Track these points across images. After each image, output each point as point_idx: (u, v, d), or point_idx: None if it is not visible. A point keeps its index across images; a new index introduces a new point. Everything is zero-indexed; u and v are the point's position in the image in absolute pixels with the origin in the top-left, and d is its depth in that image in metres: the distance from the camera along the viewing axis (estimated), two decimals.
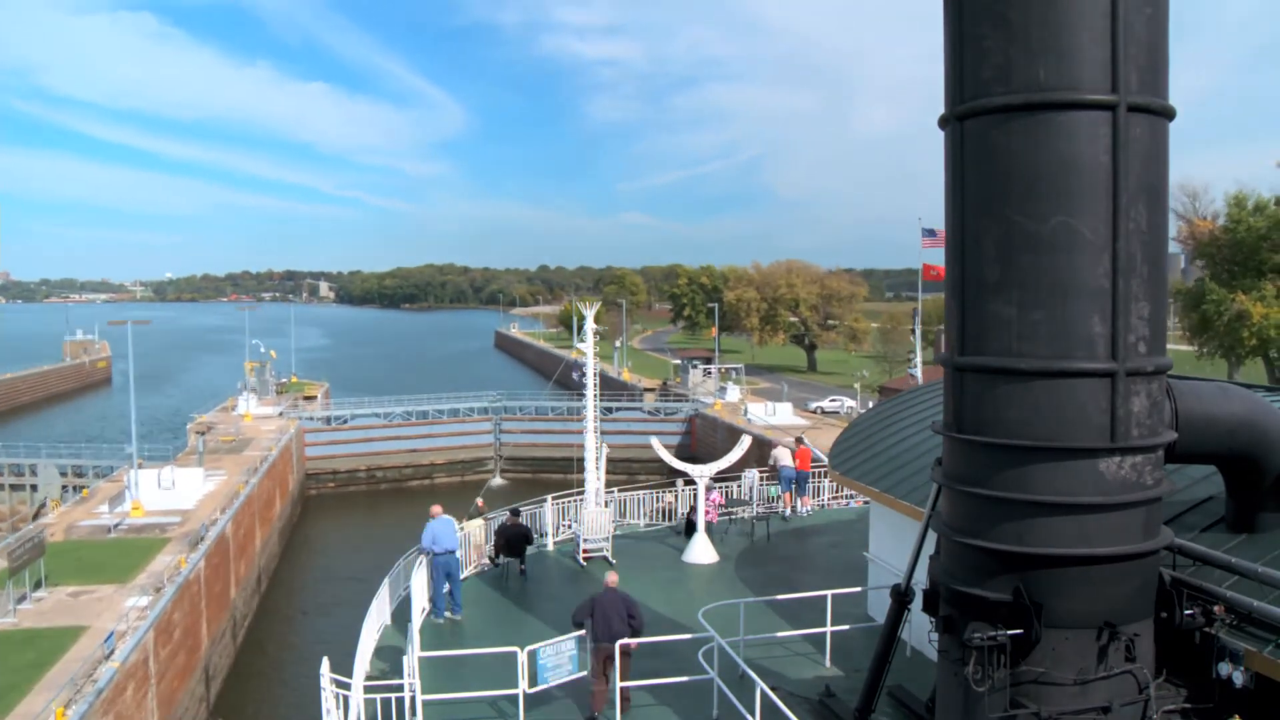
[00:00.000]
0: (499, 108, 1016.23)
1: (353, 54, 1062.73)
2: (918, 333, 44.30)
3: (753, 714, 10.81)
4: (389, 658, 14.92)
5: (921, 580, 9.74)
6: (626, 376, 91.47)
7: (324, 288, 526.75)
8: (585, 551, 20.08)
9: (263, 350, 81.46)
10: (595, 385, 23.00)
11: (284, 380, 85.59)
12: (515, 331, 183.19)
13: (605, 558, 20.09)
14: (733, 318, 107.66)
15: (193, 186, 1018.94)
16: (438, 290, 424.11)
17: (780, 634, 14.77)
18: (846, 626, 14.54)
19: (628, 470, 52.24)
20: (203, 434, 58.85)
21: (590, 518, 20.41)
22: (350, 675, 12.70)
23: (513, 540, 19.14)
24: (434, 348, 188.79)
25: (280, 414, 67.73)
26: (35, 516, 50.04)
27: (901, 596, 10.40)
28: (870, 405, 48.82)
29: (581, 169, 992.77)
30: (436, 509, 17.23)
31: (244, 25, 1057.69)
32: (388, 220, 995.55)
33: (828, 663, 14.08)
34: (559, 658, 12.31)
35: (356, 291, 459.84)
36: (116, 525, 35.43)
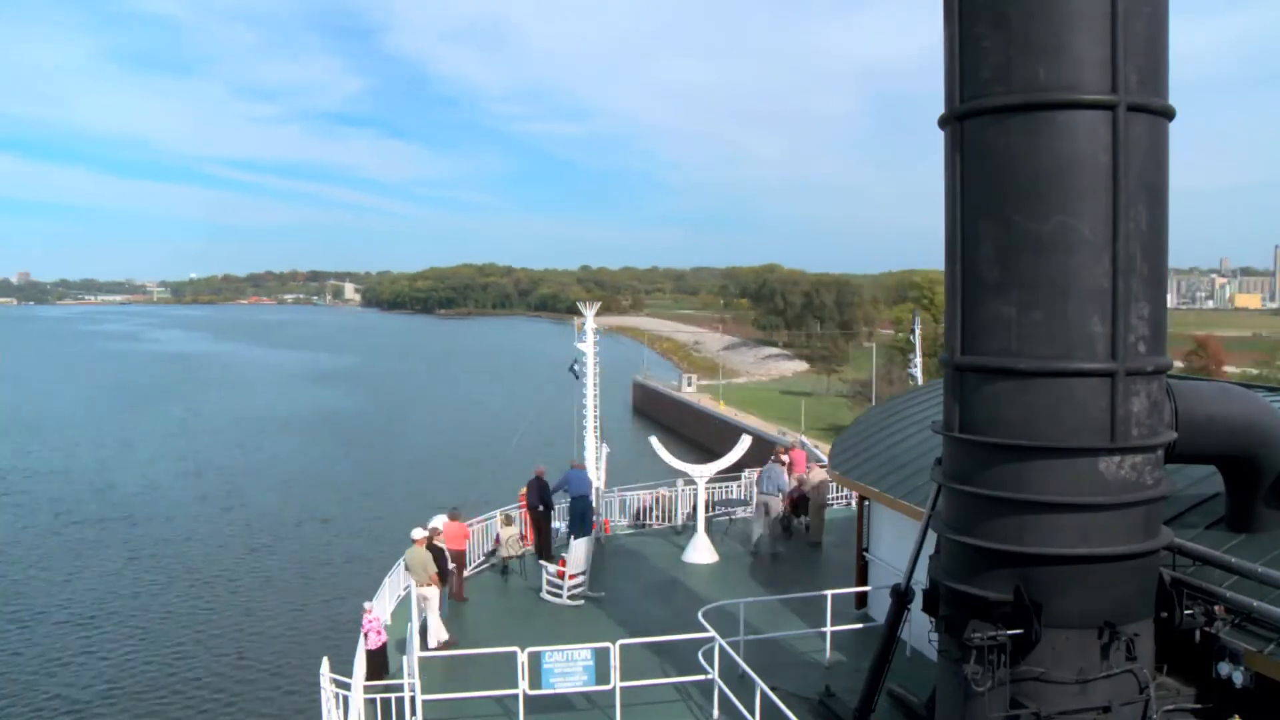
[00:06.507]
0: (526, 157, 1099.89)
1: (412, 122, 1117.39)
2: (917, 333, 44.38)
3: (753, 714, 10.81)
4: (389, 657, 14.91)
5: (922, 580, 9.74)
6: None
7: (349, 289, 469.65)
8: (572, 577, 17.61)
9: None
10: (595, 386, 23.03)
11: None
12: (691, 394, 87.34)
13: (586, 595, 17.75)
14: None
15: (253, 202, 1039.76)
16: (478, 294, 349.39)
17: (780, 634, 14.78)
18: (846, 626, 14.55)
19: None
20: None
21: (576, 550, 18.13)
22: (350, 675, 12.70)
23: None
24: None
25: None
26: None
27: (901, 596, 10.40)
28: None
29: (600, 196, 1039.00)
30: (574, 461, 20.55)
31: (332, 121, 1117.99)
32: (425, 226, 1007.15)
33: (827, 663, 14.09)
34: (570, 666, 12.18)
35: (385, 294, 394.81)
36: None
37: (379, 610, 15.44)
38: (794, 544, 21.54)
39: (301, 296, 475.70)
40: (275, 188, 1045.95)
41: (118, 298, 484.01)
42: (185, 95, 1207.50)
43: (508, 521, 19.80)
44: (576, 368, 23.75)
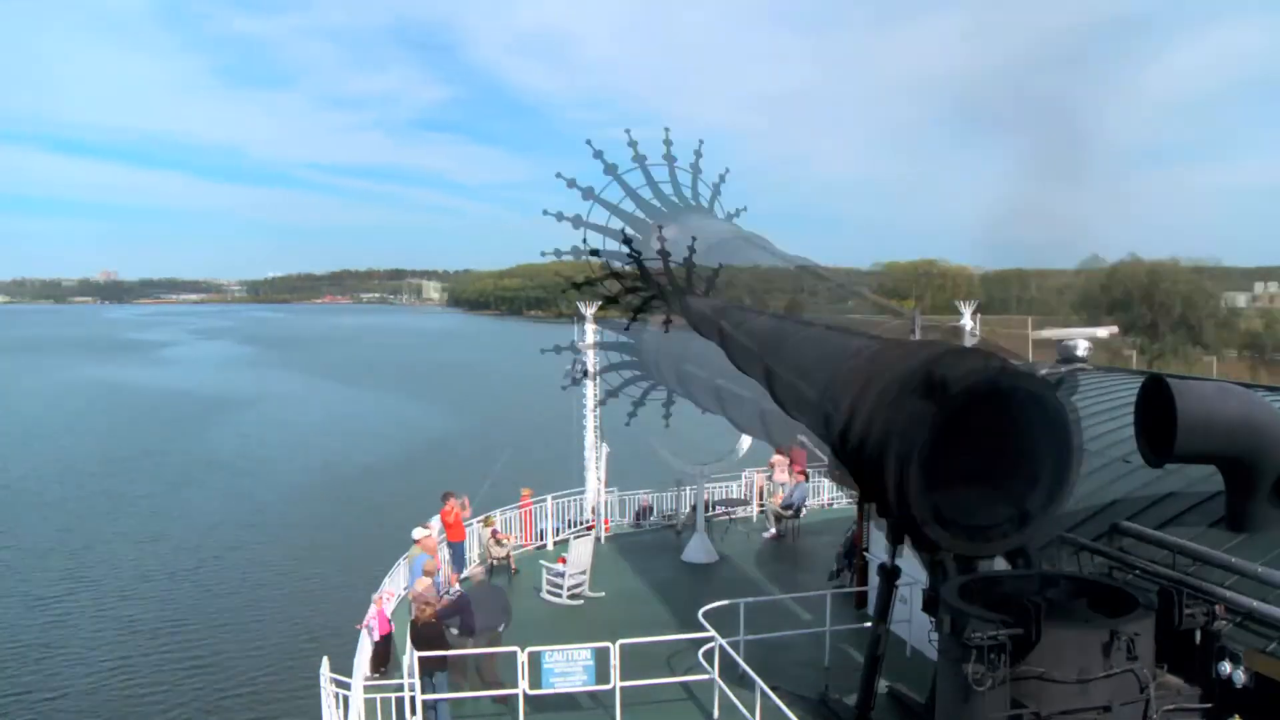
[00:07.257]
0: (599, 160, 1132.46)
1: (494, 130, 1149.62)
2: (917, 331, 44.42)
3: (753, 714, 10.81)
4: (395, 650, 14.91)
5: (915, 573, 9.74)
6: None
7: (429, 288, 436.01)
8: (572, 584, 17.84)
9: None
10: (594, 382, 23.01)
11: None
12: None
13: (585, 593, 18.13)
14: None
15: (336, 204, 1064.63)
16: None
17: (780, 634, 14.78)
18: (846, 626, 14.54)
19: None
20: None
21: (576, 550, 18.34)
22: (350, 675, 12.70)
23: None
24: None
25: None
26: None
27: (890, 575, 10.37)
28: None
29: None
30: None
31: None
32: (507, 226, 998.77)
33: (827, 663, 14.08)
34: (570, 665, 12.22)
35: (468, 293, 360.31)
36: None
37: (387, 603, 15.52)
38: (792, 543, 21.57)
39: (379, 296, 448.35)
40: (358, 189, 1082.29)
41: (195, 296, 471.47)
42: (275, 106, 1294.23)
43: (487, 524, 19.89)
44: (577, 370, 23.67)
